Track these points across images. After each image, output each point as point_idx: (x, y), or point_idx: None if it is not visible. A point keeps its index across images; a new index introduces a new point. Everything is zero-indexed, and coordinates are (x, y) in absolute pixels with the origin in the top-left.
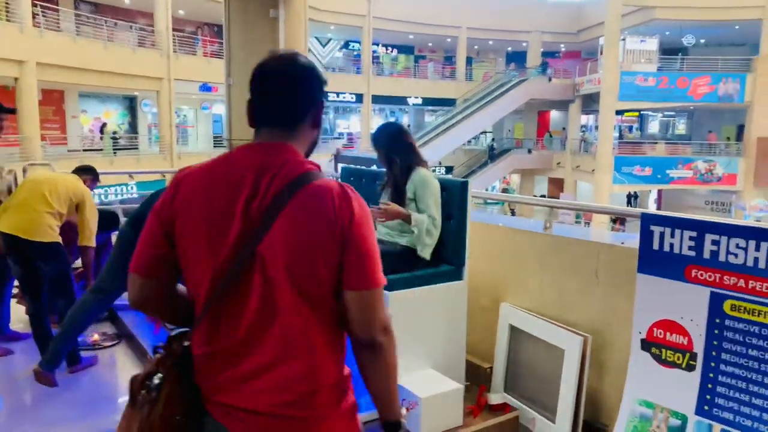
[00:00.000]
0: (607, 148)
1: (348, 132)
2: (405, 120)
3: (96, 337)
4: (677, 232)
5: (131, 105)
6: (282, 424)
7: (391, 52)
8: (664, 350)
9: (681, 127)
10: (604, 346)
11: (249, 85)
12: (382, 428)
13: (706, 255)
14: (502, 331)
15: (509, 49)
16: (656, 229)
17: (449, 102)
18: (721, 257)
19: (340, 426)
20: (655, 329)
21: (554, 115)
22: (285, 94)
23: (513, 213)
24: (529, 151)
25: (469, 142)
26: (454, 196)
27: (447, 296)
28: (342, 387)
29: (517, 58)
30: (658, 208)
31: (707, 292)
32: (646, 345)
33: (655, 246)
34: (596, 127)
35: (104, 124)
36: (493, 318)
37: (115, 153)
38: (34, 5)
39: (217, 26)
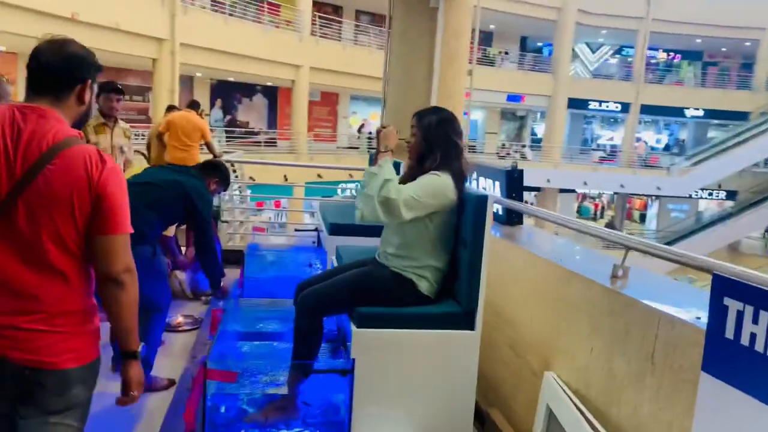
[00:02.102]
0: None
1: (611, 144)
2: (682, 134)
3: (180, 319)
4: (763, 315)
5: None
6: (35, 336)
7: (674, 57)
8: None
9: None
10: None
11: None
12: (121, 357)
13: None
14: (540, 409)
15: None
16: (732, 305)
17: (740, 116)
18: None
19: (84, 343)
20: None
21: None
22: (52, 69)
23: None
24: None
25: (767, 163)
26: (467, 216)
27: (448, 349)
28: (88, 312)
29: None
30: None
31: None
32: None
33: (729, 333)
34: None
35: (362, 125)
36: (539, 387)
37: (369, 151)
38: (314, 17)
39: (482, 32)
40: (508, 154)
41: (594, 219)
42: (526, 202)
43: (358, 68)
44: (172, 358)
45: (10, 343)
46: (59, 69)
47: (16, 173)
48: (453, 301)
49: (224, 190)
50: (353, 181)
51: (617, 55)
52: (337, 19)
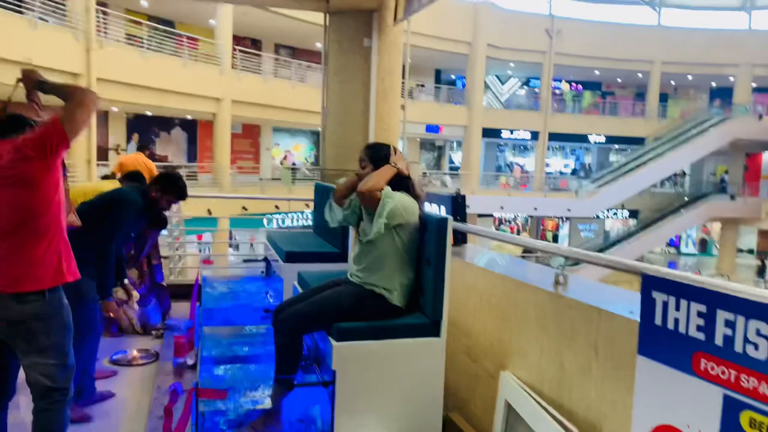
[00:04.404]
0: None
1: (523, 171)
2: (587, 159)
3: (135, 353)
4: (683, 303)
5: (317, 139)
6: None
7: (576, 88)
8: None
9: None
10: None
11: None
12: None
13: (718, 341)
14: (499, 406)
15: (713, 84)
16: (659, 297)
17: (637, 141)
18: (737, 347)
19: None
20: None
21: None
22: None
23: None
24: (732, 197)
25: (663, 184)
26: (429, 236)
27: (419, 355)
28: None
29: (724, 94)
30: None
31: (719, 394)
32: None
33: (658, 321)
34: None
35: (285, 156)
36: (495, 388)
37: (293, 182)
38: (234, 51)
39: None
40: (430, 182)
41: None
42: None
43: (280, 101)
44: (134, 390)
45: None
46: None
47: None
48: (420, 313)
49: (180, 199)
50: (279, 213)
51: (525, 87)
52: (256, 52)
